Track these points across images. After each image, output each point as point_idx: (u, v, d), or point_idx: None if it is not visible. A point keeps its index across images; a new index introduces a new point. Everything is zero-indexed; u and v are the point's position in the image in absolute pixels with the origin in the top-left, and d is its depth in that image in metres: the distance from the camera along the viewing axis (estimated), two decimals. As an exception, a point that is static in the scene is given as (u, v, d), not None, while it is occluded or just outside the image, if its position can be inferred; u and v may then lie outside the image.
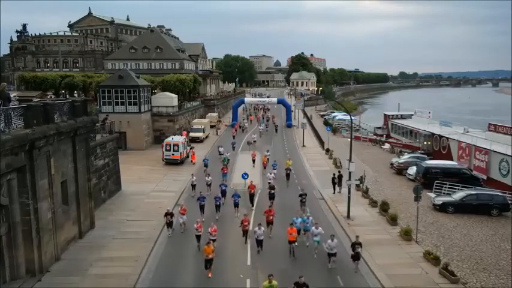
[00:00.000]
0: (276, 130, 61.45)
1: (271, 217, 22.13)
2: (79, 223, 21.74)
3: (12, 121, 15.98)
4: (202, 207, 24.86)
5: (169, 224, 22.38)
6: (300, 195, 26.53)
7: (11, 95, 23.40)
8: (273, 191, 27.49)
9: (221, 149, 43.27)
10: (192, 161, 40.99)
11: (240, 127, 62.19)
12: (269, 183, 29.55)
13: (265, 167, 37.29)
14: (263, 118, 74.03)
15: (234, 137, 53.27)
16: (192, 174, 31.68)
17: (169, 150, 39.59)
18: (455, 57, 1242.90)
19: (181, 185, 32.25)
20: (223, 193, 27.24)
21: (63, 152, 20.31)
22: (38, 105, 18.02)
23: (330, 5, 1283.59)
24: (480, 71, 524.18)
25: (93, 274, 17.90)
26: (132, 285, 17.12)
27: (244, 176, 31.66)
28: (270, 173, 31.95)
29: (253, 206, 27.16)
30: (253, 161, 39.57)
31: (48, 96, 50.09)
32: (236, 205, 25.30)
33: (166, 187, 32.13)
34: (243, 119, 70.08)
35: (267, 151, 40.87)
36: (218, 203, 25.09)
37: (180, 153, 39.85)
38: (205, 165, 37.04)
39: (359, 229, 23.52)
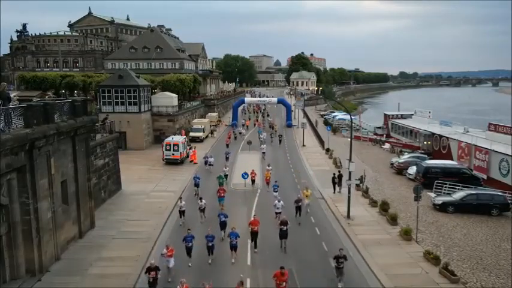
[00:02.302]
0: (280, 141, 52.91)
1: (284, 284, 15.92)
2: (79, 223, 21.73)
3: (12, 121, 15.96)
4: (189, 250, 19.12)
5: (152, 283, 16.25)
6: (336, 258, 17.28)
7: (11, 95, 23.45)
8: (285, 228, 20.62)
9: (211, 159, 37.82)
10: (192, 161, 40.91)
11: (233, 133, 55.75)
12: (277, 213, 23.89)
13: (268, 184, 31.67)
14: (263, 124, 67.87)
15: (227, 145, 47.71)
16: (180, 198, 26.13)
17: (169, 150, 39.59)
18: (455, 57, 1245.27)
19: (181, 185, 32.20)
20: (223, 225, 21.76)
21: (63, 151, 20.30)
22: (38, 105, 18.00)
23: (330, 5, 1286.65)
24: (480, 70, 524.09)
25: (93, 274, 17.88)
26: (132, 285, 17.10)
27: (244, 175, 31.61)
28: (279, 201, 24.58)
29: (256, 247, 20.68)
30: (253, 181, 32.21)
31: (48, 95, 50.18)
32: (233, 247, 19.45)
33: (166, 187, 32.10)
34: (242, 125, 64.58)
35: (268, 165, 34.53)
36: (211, 244, 19.30)
37: (180, 153, 39.85)
38: (196, 185, 29.97)
39: (359, 229, 23.57)
